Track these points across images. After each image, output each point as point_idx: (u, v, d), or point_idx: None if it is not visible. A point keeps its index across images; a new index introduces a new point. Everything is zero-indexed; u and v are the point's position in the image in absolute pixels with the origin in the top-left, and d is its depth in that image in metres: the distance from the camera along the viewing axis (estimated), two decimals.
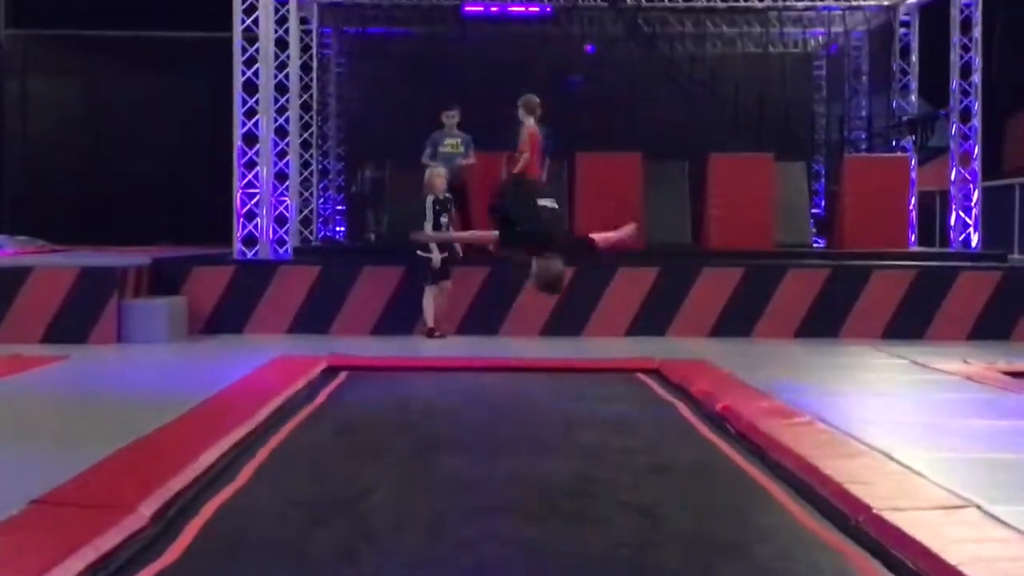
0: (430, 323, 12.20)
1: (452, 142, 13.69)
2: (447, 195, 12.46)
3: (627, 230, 7.16)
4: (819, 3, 18.48)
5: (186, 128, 19.52)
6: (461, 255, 12.31)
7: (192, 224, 18.58)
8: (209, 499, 5.38)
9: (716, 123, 17.85)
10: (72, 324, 11.57)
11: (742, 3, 18.36)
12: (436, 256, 12.01)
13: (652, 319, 12.60)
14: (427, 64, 18.70)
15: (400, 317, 12.54)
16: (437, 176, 12.41)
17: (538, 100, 12.49)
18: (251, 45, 13.66)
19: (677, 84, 18.35)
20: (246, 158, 13.63)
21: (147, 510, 4.88)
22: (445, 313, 12.38)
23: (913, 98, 17.72)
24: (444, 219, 12.28)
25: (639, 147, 15.43)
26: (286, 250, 14.49)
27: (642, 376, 9.61)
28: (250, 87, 13.66)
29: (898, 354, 10.89)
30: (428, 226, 12.09)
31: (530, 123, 12.39)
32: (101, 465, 5.67)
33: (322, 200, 18.63)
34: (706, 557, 4.58)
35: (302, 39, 16.83)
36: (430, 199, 12.24)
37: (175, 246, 16.65)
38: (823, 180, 19.43)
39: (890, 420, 7.36)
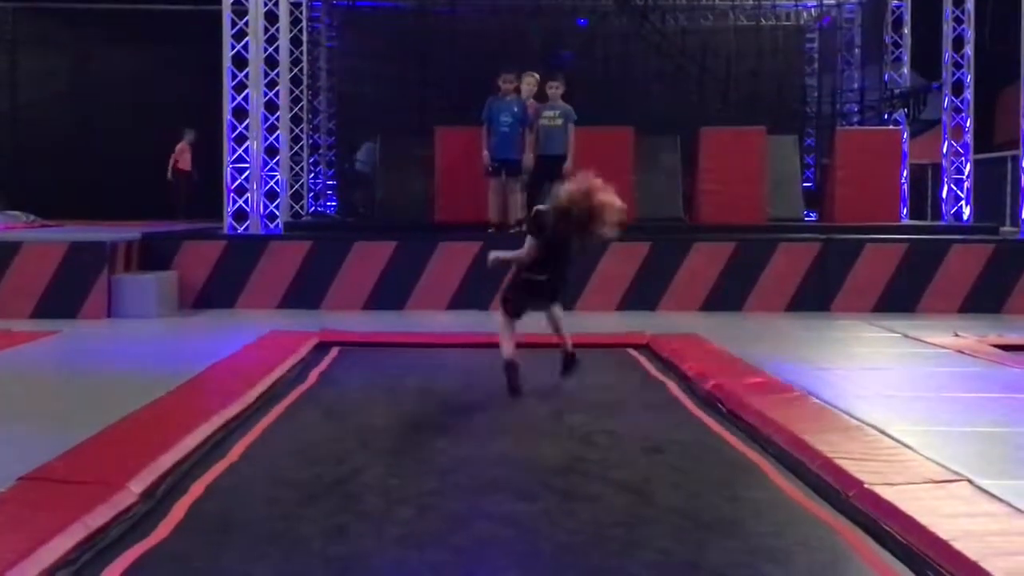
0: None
1: (550, 115, 13.41)
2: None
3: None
4: None
5: (176, 101, 19.42)
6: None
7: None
8: (199, 477, 5.37)
9: (708, 97, 17.79)
10: (62, 299, 11.54)
11: None
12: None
13: (643, 294, 12.59)
14: (417, 38, 18.58)
15: (392, 292, 12.53)
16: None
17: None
18: (240, 18, 13.59)
19: (668, 58, 18.29)
20: (236, 132, 13.57)
21: (137, 487, 4.87)
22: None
23: (905, 70, 17.68)
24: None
25: (630, 121, 15.36)
26: (277, 225, 14.45)
27: (632, 351, 9.59)
28: (240, 61, 13.59)
29: (889, 328, 10.90)
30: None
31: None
32: (90, 441, 5.65)
33: (312, 175, 18.57)
34: (697, 534, 4.58)
35: (292, 12, 16.72)
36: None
37: (165, 221, 16.59)
38: (815, 153, 19.38)
39: (881, 394, 7.37)
